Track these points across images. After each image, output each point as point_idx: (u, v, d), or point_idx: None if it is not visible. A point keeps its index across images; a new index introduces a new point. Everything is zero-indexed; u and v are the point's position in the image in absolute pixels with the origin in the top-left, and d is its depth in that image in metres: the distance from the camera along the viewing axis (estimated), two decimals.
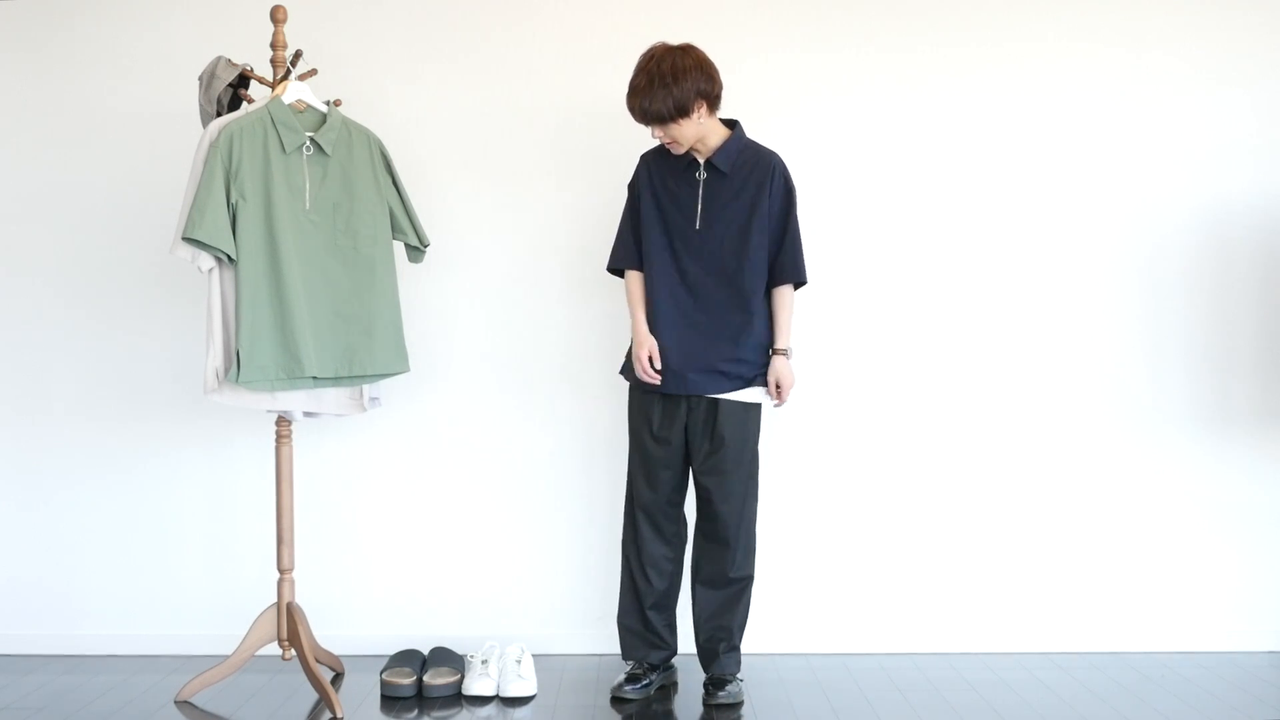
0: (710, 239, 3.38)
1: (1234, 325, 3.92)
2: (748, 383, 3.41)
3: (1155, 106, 3.90)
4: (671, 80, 3.25)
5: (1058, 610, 3.89)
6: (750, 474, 3.46)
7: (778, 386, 3.41)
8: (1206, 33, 3.90)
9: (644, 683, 3.46)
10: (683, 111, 3.26)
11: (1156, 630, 3.88)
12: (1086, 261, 3.91)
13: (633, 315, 3.46)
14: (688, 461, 3.46)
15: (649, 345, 3.38)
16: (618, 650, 3.59)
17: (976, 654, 3.84)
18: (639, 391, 3.47)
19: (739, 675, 3.47)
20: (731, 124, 3.45)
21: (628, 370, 3.50)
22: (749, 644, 3.69)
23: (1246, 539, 3.91)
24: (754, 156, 3.41)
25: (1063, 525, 3.90)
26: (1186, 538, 3.91)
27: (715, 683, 3.44)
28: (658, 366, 3.37)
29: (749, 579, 3.48)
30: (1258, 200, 3.90)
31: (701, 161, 3.40)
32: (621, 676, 3.49)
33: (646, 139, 3.69)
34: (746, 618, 3.51)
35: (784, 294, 3.44)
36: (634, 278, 3.48)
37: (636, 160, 3.54)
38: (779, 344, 3.42)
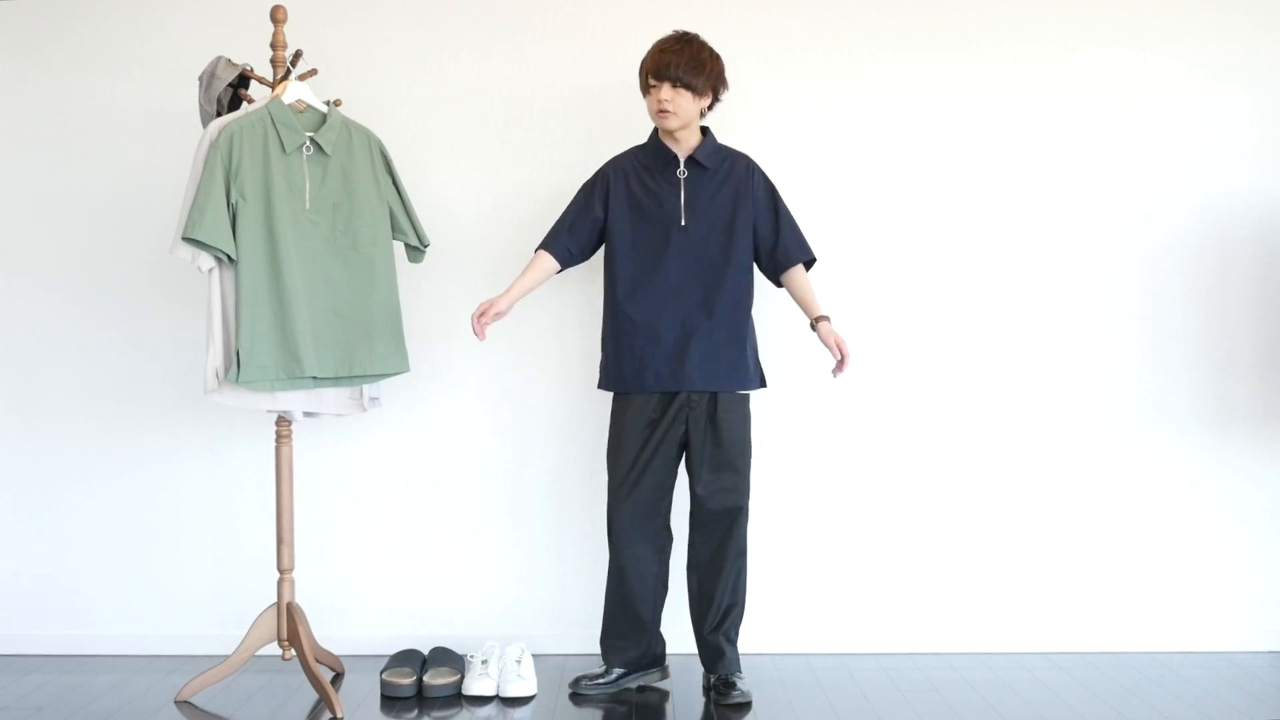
0: (695, 236, 3.41)
1: (1234, 325, 3.92)
2: (751, 377, 3.47)
3: (1155, 106, 3.90)
4: (707, 56, 3.38)
5: (1058, 610, 3.89)
6: (747, 467, 3.51)
7: (839, 349, 3.42)
8: (1206, 33, 3.90)
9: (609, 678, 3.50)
10: (696, 86, 3.34)
11: (1156, 630, 3.88)
12: (1087, 261, 3.91)
13: (514, 283, 3.47)
14: (677, 462, 3.48)
15: (494, 306, 3.38)
16: None
17: (976, 654, 3.84)
18: (630, 396, 3.45)
19: (742, 675, 3.48)
20: (705, 129, 3.51)
21: (607, 380, 3.51)
22: (750, 644, 3.70)
23: (1246, 539, 3.91)
24: (729, 156, 3.49)
25: (1063, 525, 3.90)
26: (1186, 538, 3.91)
27: (726, 684, 3.44)
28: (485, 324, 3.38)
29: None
30: (1258, 200, 3.90)
31: (682, 159, 3.43)
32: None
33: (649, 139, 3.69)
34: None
35: (798, 274, 3.51)
36: (545, 259, 3.49)
37: None
38: (817, 312, 3.47)
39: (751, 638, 3.75)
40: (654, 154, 3.47)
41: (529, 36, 3.90)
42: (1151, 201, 3.91)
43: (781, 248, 3.47)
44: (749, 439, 3.50)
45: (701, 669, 3.54)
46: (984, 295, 3.91)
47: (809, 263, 3.52)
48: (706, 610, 3.48)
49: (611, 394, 3.52)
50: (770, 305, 3.85)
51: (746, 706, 3.38)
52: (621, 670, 3.51)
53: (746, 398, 3.50)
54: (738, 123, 3.85)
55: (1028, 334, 3.91)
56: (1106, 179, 3.91)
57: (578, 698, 3.46)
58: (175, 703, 3.42)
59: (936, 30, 3.90)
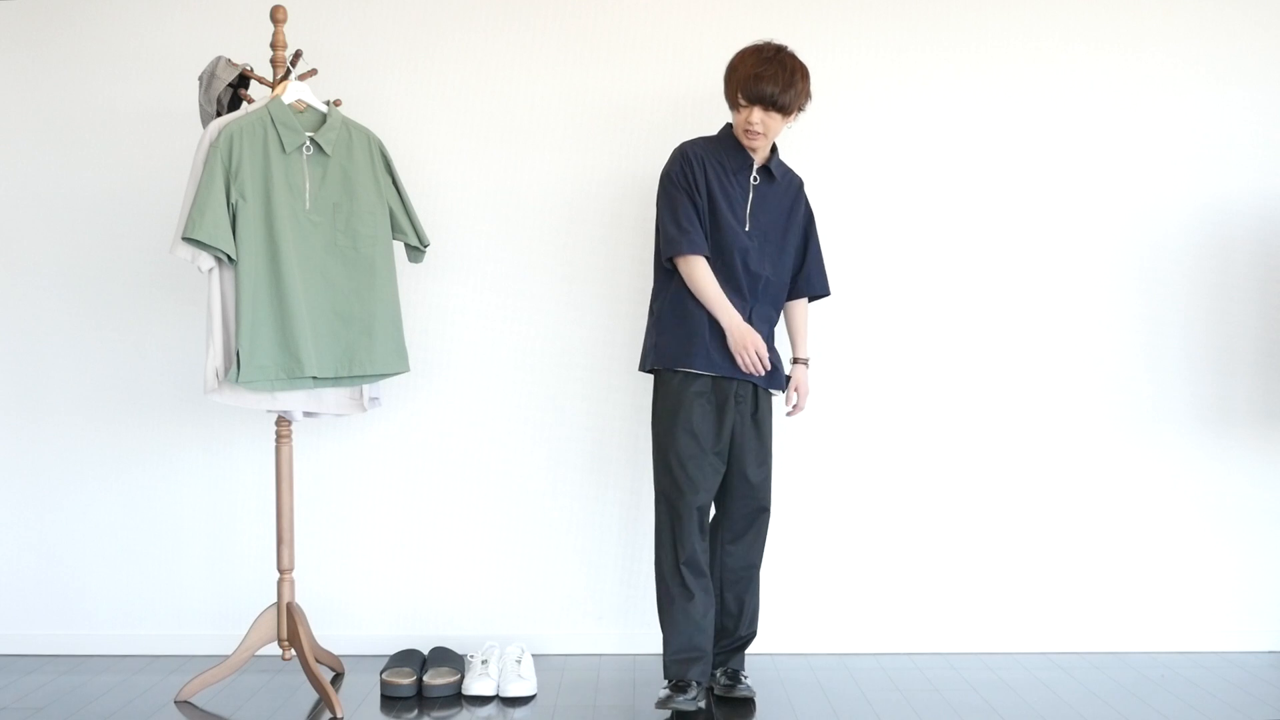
0: (754, 242, 3.38)
1: (1234, 325, 3.92)
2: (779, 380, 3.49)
3: (1155, 106, 3.91)
4: (800, 77, 3.31)
5: (1058, 610, 3.89)
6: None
7: (797, 393, 3.51)
8: (1206, 33, 3.90)
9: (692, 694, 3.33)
10: (787, 107, 3.30)
11: (1156, 630, 3.88)
12: (1087, 262, 3.91)
13: (718, 303, 3.30)
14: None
15: (754, 336, 3.31)
16: (618, 650, 3.58)
17: (976, 654, 3.84)
18: (693, 381, 3.33)
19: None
20: None
21: (668, 359, 3.36)
22: (750, 644, 3.71)
23: (1246, 539, 3.91)
24: (788, 172, 3.52)
25: (1063, 525, 3.90)
26: (1186, 538, 3.91)
27: (732, 676, 3.45)
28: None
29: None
30: (1258, 200, 3.90)
31: (756, 165, 3.40)
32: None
33: (647, 138, 3.71)
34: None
35: (803, 305, 3.58)
36: (705, 264, 3.33)
37: (641, 157, 3.53)
38: (802, 353, 3.54)
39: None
40: (731, 153, 3.39)
41: (529, 36, 3.90)
42: (1151, 201, 3.91)
43: (804, 275, 3.51)
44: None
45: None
46: (983, 295, 3.91)
47: (817, 296, 3.57)
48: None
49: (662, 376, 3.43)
50: None
51: (750, 701, 3.39)
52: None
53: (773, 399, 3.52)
54: None
55: (1028, 334, 3.91)
56: (1107, 179, 3.91)
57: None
58: (175, 703, 3.42)
59: (936, 31, 3.90)
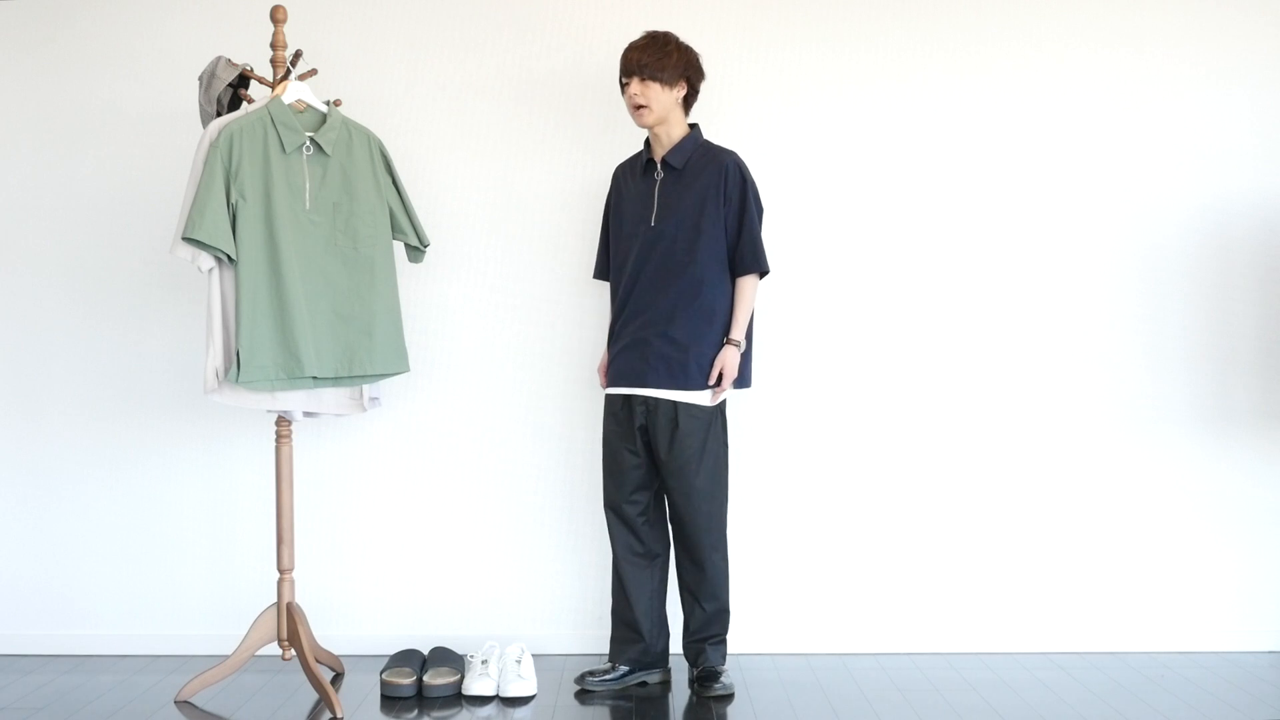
0: (664, 235, 3.43)
1: (1234, 325, 3.92)
2: (700, 380, 3.42)
3: (1155, 107, 3.90)
4: (674, 49, 3.42)
5: (1058, 610, 3.89)
6: (714, 475, 3.48)
7: (720, 376, 3.42)
8: (1206, 33, 3.90)
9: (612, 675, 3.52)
10: (663, 76, 3.39)
11: (1156, 630, 3.88)
12: (1086, 261, 3.91)
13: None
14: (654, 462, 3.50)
15: (603, 361, 3.57)
16: None
17: (976, 654, 3.84)
18: (610, 395, 3.55)
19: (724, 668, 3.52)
20: (693, 126, 3.53)
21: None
22: (750, 644, 3.71)
23: (1246, 539, 3.91)
24: (707, 154, 3.49)
25: (1062, 525, 3.90)
26: (1187, 538, 3.91)
27: (709, 675, 3.48)
28: (603, 381, 3.56)
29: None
30: (1258, 200, 3.90)
31: (658, 161, 3.48)
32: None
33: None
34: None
35: (744, 285, 3.47)
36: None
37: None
38: (733, 334, 3.46)
39: (752, 638, 3.76)
40: (642, 157, 3.55)
41: (529, 36, 3.90)
42: (1151, 201, 3.91)
43: (738, 255, 3.45)
44: (715, 447, 3.49)
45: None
46: (984, 295, 3.91)
47: (762, 273, 3.49)
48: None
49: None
50: (772, 305, 3.85)
51: (729, 698, 3.42)
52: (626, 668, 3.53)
53: (701, 405, 3.44)
54: (738, 122, 3.86)
55: (1028, 334, 3.91)
56: (1107, 179, 3.91)
57: (583, 694, 3.47)
58: (175, 703, 3.42)
59: (937, 30, 3.90)
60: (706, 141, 3.53)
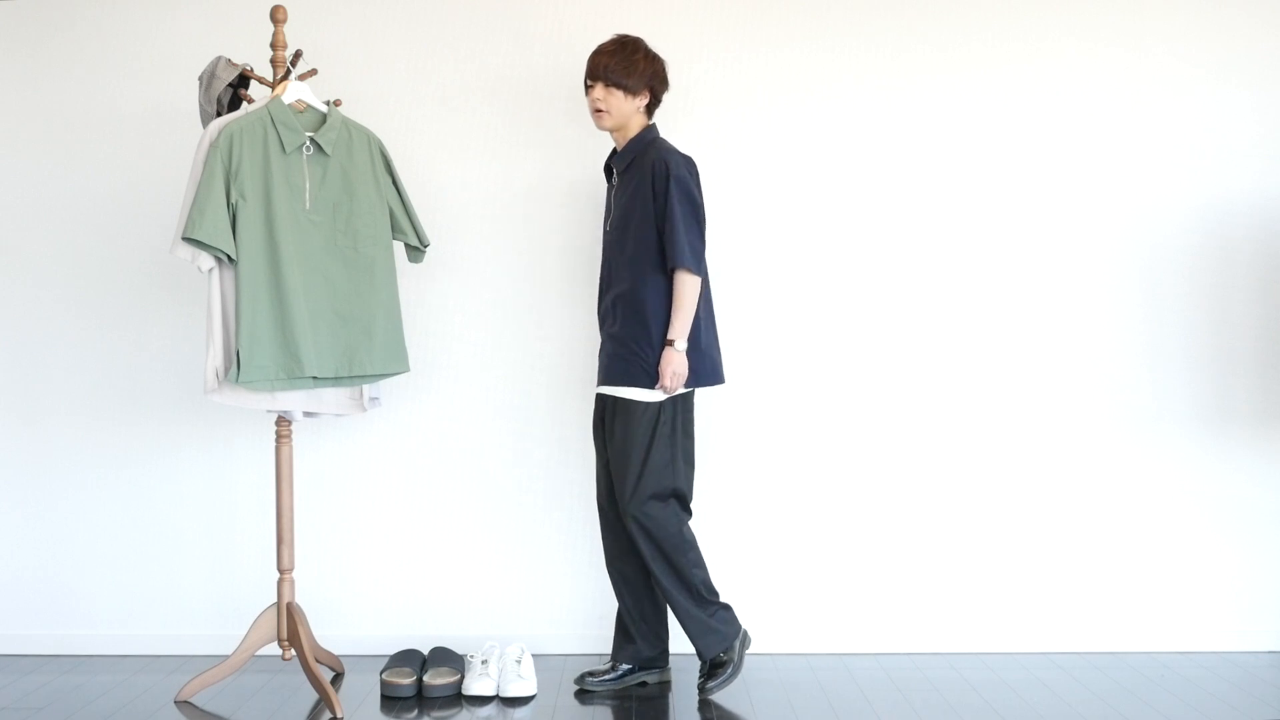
0: (613, 237, 3.49)
1: (1234, 325, 3.92)
2: (642, 377, 3.39)
3: (1155, 106, 3.90)
4: (641, 57, 3.44)
5: (1058, 610, 3.89)
6: (631, 469, 3.40)
7: (670, 378, 3.37)
8: (1206, 33, 3.90)
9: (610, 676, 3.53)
10: (628, 85, 3.41)
11: (1156, 630, 3.88)
12: (1087, 262, 3.91)
13: None
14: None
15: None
16: None
17: (976, 654, 3.84)
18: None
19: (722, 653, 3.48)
20: (650, 126, 3.53)
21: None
22: (750, 644, 3.71)
23: (1246, 539, 3.91)
24: (645, 152, 3.45)
25: (1063, 525, 3.90)
26: (1187, 538, 3.91)
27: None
28: None
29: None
30: (1258, 201, 3.90)
31: (616, 165, 3.53)
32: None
33: None
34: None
35: (675, 283, 3.36)
36: None
37: None
38: (669, 334, 3.36)
39: (752, 638, 3.75)
40: (600, 126, 3.54)
41: (529, 36, 3.90)
42: (1151, 201, 3.91)
43: (666, 251, 3.38)
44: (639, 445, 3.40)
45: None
46: (984, 295, 3.91)
47: (682, 270, 3.37)
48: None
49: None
50: (772, 301, 3.85)
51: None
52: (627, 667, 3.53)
53: (635, 401, 3.39)
54: (737, 122, 3.86)
55: (1028, 334, 3.91)
56: (1107, 179, 3.91)
57: (583, 694, 3.47)
58: (175, 703, 3.42)
59: (936, 30, 3.90)
60: (653, 140, 3.47)
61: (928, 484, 3.90)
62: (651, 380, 3.37)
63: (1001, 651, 3.85)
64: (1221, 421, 3.92)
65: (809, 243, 3.89)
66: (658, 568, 3.40)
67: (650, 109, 3.52)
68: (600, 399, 3.50)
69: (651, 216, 3.39)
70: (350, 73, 3.82)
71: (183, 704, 3.41)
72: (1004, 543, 3.90)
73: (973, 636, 3.87)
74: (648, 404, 3.39)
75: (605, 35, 3.84)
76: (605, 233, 3.54)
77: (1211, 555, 3.91)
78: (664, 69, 3.50)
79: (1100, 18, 3.90)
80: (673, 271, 3.36)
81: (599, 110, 3.44)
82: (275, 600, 3.51)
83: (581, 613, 3.88)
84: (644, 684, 3.54)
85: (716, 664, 3.46)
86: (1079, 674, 3.64)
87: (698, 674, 3.50)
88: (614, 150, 3.56)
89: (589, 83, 3.45)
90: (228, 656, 3.49)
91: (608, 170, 3.60)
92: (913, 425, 3.90)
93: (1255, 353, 3.92)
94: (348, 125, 3.45)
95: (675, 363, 3.35)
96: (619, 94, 3.42)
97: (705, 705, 3.39)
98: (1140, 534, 3.91)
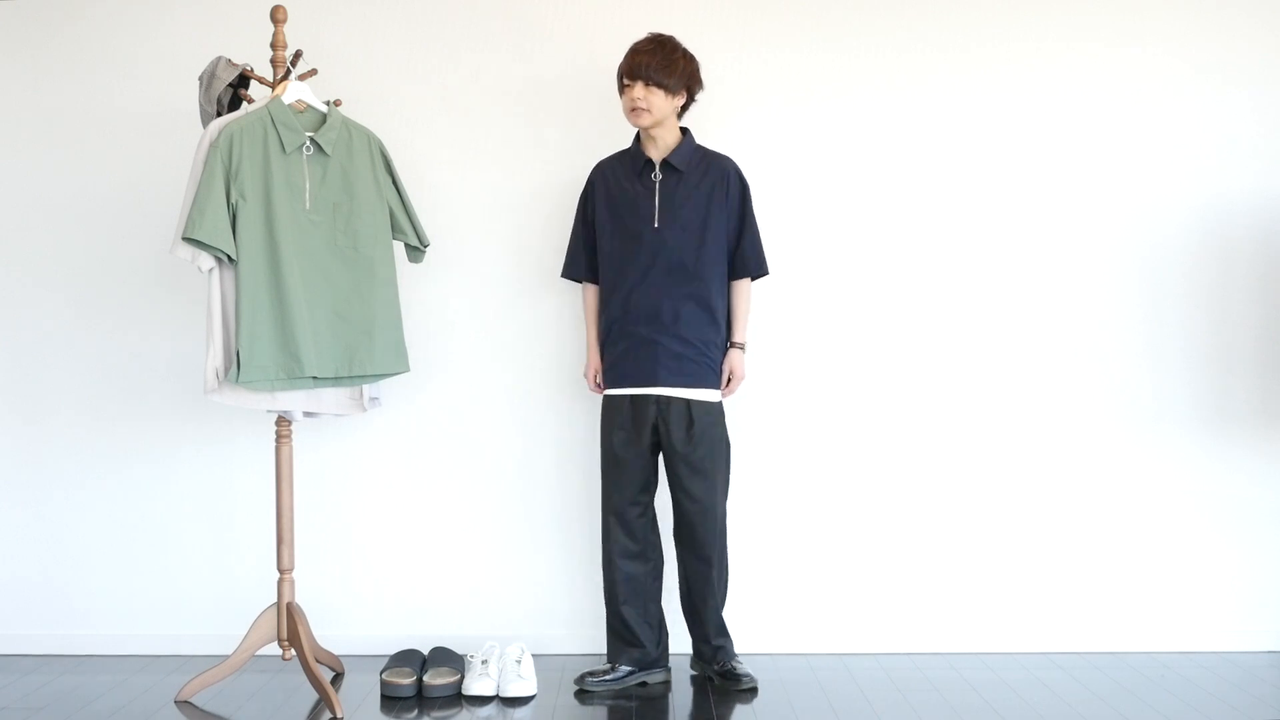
0: (669, 238, 3.46)
1: (1234, 325, 3.92)
2: (712, 378, 3.50)
3: (1155, 106, 3.90)
4: (680, 56, 3.46)
5: (1058, 610, 3.89)
6: (719, 470, 3.54)
7: (729, 379, 3.54)
8: (1206, 33, 3.90)
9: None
10: (669, 84, 3.42)
11: (1156, 630, 3.88)
12: (1087, 261, 3.91)
13: (587, 328, 3.65)
14: (655, 460, 3.55)
15: (594, 365, 3.60)
16: None
17: (976, 654, 3.84)
18: (609, 396, 3.56)
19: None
20: (684, 131, 3.56)
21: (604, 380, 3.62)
22: (750, 644, 3.71)
23: (1246, 539, 3.91)
24: (707, 158, 3.54)
25: (1063, 525, 3.90)
26: (1187, 538, 3.91)
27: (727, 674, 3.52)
28: (599, 381, 3.60)
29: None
30: (1258, 201, 3.90)
31: (657, 162, 3.49)
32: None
33: None
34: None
35: (743, 287, 3.58)
36: (589, 290, 3.64)
37: None
38: (736, 337, 3.56)
39: (752, 638, 3.76)
40: (633, 158, 3.55)
41: (529, 36, 3.90)
42: (1152, 201, 3.91)
43: (739, 258, 3.53)
44: (722, 444, 3.56)
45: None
46: (985, 295, 3.91)
47: (758, 276, 3.60)
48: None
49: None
50: (773, 301, 3.85)
51: (755, 691, 3.47)
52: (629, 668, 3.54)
53: (715, 403, 3.52)
54: (737, 122, 3.85)
55: (1029, 334, 3.91)
56: (1107, 179, 3.91)
57: (583, 694, 3.47)
58: (175, 703, 3.42)
59: (937, 30, 3.90)
60: (700, 146, 3.57)
61: (927, 484, 3.90)
62: (719, 381, 3.51)
63: (1001, 651, 3.85)
64: (1221, 421, 3.92)
65: (809, 243, 3.88)
66: (720, 566, 3.55)
67: (683, 110, 3.53)
68: (653, 400, 3.47)
69: (724, 223, 3.49)
70: (350, 73, 3.82)
71: (183, 704, 3.41)
72: (1004, 543, 3.90)
73: (973, 636, 3.87)
74: (721, 405, 3.53)
75: (605, 35, 3.86)
76: (640, 230, 3.47)
77: (1211, 555, 3.91)
78: (699, 69, 3.51)
79: (1101, 18, 3.90)
80: (744, 278, 3.55)
81: (637, 109, 3.42)
82: (275, 600, 3.51)
83: (581, 613, 3.88)
84: (644, 684, 3.54)
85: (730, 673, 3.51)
86: (1079, 674, 3.64)
87: (720, 673, 3.51)
88: (635, 144, 3.53)
89: (626, 81, 3.44)
90: (228, 656, 3.49)
91: (623, 168, 3.55)
92: (913, 425, 3.90)
93: (1255, 353, 3.92)
94: (348, 125, 3.45)
95: (742, 365, 3.54)
96: (660, 93, 3.42)
97: (705, 705, 3.39)
98: (1140, 534, 3.91)
